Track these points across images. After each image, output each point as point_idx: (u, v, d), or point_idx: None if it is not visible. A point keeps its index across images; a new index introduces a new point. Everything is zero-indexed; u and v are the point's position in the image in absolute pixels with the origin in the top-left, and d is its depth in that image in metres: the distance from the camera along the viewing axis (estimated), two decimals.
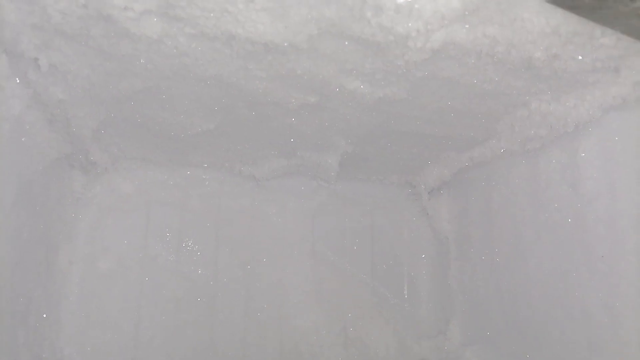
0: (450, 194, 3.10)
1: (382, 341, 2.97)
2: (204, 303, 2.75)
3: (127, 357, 2.56)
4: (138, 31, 1.50)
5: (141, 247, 2.71)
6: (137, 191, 2.74)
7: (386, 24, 1.44)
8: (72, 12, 1.42)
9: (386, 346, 2.96)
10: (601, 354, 1.93)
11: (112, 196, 2.69)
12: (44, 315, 2.24)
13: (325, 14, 1.42)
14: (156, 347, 2.62)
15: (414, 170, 3.06)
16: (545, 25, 1.44)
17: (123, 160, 2.68)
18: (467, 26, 1.47)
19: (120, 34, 1.52)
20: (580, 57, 1.61)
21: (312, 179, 3.01)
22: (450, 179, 2.98)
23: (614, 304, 1.88)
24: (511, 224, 2.50)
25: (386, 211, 3.19)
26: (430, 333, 3.06)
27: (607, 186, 1.93)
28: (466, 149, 2.63)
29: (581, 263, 2.03)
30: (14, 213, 1.82)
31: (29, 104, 1.83)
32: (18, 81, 1.72)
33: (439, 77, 1.81)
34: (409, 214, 3.22)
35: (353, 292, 3.04)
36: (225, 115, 2.19)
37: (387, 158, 2.82)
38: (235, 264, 2.85)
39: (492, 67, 1.72)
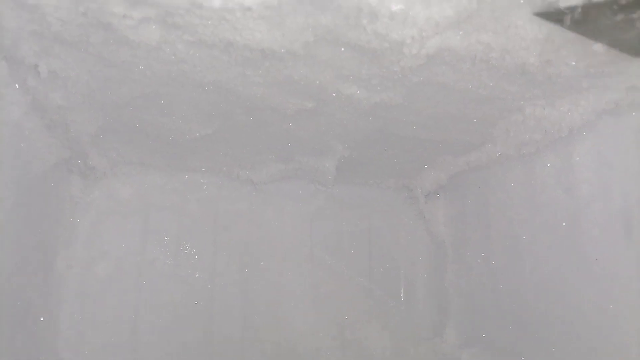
0: (447, 197, 3.11)
1: (379, 344, 2.98)
2: (201, 307, 2.76)
3: None
4: (137, 38, 1.51)
5: (139, 251, 2.72)
6: (136, 196, 2.75)
7: (381, 31, 1.46)
8: (71, 19, 1.44)
9: (383, 349, 2.97)
10: (597, 356, 1.94)
11: (111, 201, 2.70)
12: (42, 319, 2.24)
13: (321, 21, 1.44)
14: (154, 350, 2.62)
15: (411, 174, 3.08)
16: (538, 32, 1.46)
17: (121, 165, 2.69)
18: (461, 33, 1.49)
19: (119, 41, 1.54)
20: (573, 63, 1.63)
21: (309, 183, 3.03)
22: (447, 183, 3.00)
23: (608, 306, 1.90)
24: (507, 227, 2.51)
25: (383, 215, 3.20)
26: (427, 336, 3.08)
27: (601, 190, 1.95)
28: (462, 153, 2.65)
29: (576, 266, 2.05)
30: (12, 217, 1.83)
31: (28, 110, 1.85)
32: (17, 87, 1.74)
33: (434, 82, 1.83)
34: (406, 217, 3.24)
35: (350, 295, 3.05)
36: (223, 121, 2.21)
37: (384, 162, 2.83)
38: (233, 268, 2.86)
39: (487, 72, 1.74)
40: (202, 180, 2.87)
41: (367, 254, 3.14)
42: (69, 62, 1.68)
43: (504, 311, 2.52)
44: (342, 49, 1.59)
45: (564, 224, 2.12)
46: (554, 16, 1.39)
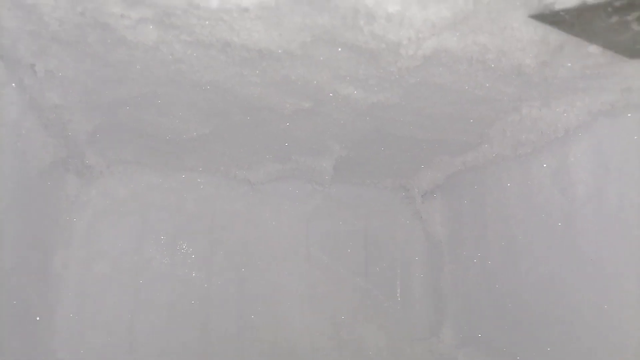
0: (444, 197, 3.12)
1: (376, 343, 2.99)
2: (198, 306, 2.76)
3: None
4: (134, 38, 1.52)
5: (136, 251, 2.71)
6: (133, 195, 2.75)
7: (378, 32, 1.46)
8: (69, 19, 1.44)
9: (379, 348, 2.97)
10: (593, 356, 1.95)
11: (108, 200, 2.69)
12: (39, 319, 2.24)
13: (318, 21, 1.44)
14: (150, 350, 2.62)
15: (408, 174, 3.08)
16: (534, 33, 1.47)
17: (118, 164, 2.69)
18: (457, 34, 1.50)
19: (116, 41, 1.54)
20: (569, 65, 1.64)
21: (306, 183, 3.03)
22: (444, 183, 3.01)
23: (604, 306, 1.90)
24: (503, 228, 2.52)
25: (380, 214, 3.21)
26: (423, 335, 3.08)
27: (597, 190, 1.96)
28: (459, 154, 2.66)
29: (572, 266, 2.06)
30: (9, 217, 1.83)
31: (25, 109, 1.85)
32: (14, 86, 1.74)
33: (431, 83, 1.83)
34: (403, 217, 3.24)
35: (347, 295, 3.06)
36: (220, 120, 2.21)
37: (381, 162, 2.84)
38: (229, 268, 2.86)
39: (483, 73, 1.75)
40: (199, 180, 2.87)
41: (363, 253, 3.15)
42: (66, 61, 1.69)
43: (500, 311, 2.53)
44: (339, 49, 1.60)
45: (560, 224, 2.13)
46: (549, 18, 1.40)
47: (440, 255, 3.09)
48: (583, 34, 1.45)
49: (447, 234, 3.09)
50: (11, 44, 1.56)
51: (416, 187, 3.12)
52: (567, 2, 1.33)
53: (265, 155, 2.70)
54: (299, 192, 3.05)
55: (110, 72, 1.76)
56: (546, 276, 2.20)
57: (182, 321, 2.71)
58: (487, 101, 1.99)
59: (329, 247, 3.09)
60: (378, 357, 2.96)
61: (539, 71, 1.69)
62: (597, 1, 1.31)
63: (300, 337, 2.89)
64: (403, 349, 3.02)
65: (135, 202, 2.75)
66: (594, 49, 1.53)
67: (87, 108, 2.04)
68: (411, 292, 3.18)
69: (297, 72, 1.76)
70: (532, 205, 2.31)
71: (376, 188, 3.22)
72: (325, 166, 2.72)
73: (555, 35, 1.49)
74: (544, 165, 2.23)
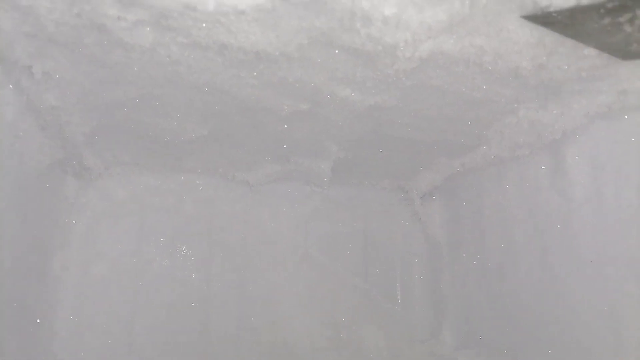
0: (442, 199, 3.12)
1: (375, 345, 2.98)
2: (197, 308, 2.76)
3: None
4: (131, 40, 1.52)
5: (135, 253, 2.71)
6: (131, 196, 2.75)
7: (375, 35, 1.46)
8: (65, 21, 1.44)
9: (379, 350, 2.97)
10: (592, 357, 1.95)
11: (106, 202, 2.69)
12: (38, 321, 2.24)
13: (315, 24, 1.44)
14: (150, 352, 2.62)
15: (406, 176, 3.08)
16: (530, 36, 1.47)
17: (117, 165, 2.69)
18: (454, 37, 1.50)
19: (113, 43, 1.54)
20: (565, 67, 1.65)
21: (305, 184, 3.03)
22: (442, 184, 3.01)
23: (603, 308, 1.91)
24: (502, 229, 2.52)
25: (379, 216, 3.21)
26: (422, 337, 3.08)
27: (595, 192, 1.96)
28: (457, 155, 2.66)
29: (570, 267, 2.06)
30: (7, 218, 1.83)
31: (23, 111, 1.84)
32: (12, 88, 1.74)
33: (429, 85, 1.84)
34: (402, 218, 3.24)
35: (346, 296, 3.05)
36: (218, 122, 2.21)
37: (379, 163, 2.84)
38: (228, 269, 2.86)
39: (480, 75, 1.75)
40: (197, 182, 2.87)
41: (362, 255, 3.15)
42: (63, 63, 1.69)
43: (499, 312, 2.53)
44: (336, 51, 1.60)
45: (558, 225, 2.14)
46: (542, 19, 1.40)
47: (439, 257, 3.09)
48: (576, 35, 1.46)
49: (446, 236, 3.09)
50: (8, 46, 1.56)
51: (415, 189, 3.12)
52: (560, 4, 1.33)
53: (263, 157, 2.70)
54: (297, 193, 3.05)
55: (107, 74, 1.76)
56: (545, 277, 2.20)
57: (182, 322, 2.71)
58: (484, 103, 1.99)
59: (327, 248, 3.09)
60: (377, 359, 2.96)
61: (535, 73, 1.69)
62: (590, 3, 1.31)
63: (299, 338, 2.88)
64: (402, 350, 3.01)
65: (134, 204, 2.75)
66: (590, 51, 1.53)
67: (84, 109, 2.04)
68: (410, 293, 3.18)
69: (295, 74, 1.76)
70: (530, 206, 2.31)
71: (375, 189, 3.22)
72: (323, 168, 2.72)
73: (551, 38, 1.49)
74: (542, 167, 2.23)
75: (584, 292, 1.99)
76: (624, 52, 1.54)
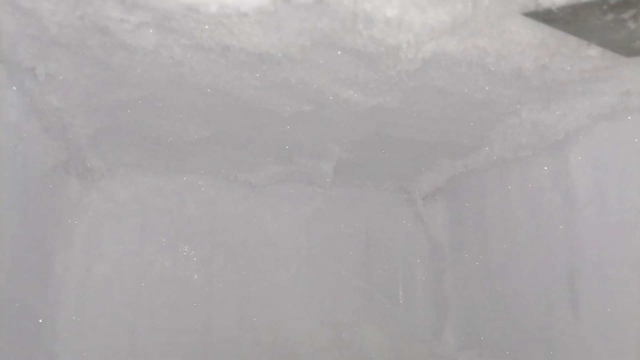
0: (445, 200, 3.12)
1: (377, 346, 2.98)
2: (199, 308, 2.76)
3: None
4: (134, 42, 1.52)
5: (137, 253, 2.72)
6: (134, 197, 2.76)
7: (377, 36, 1.46)
8: (69, 23, 1.44)
9: (381, 351, 2.97)
10: (594, 358, 1.95)
11: (109, 202, 2.70)
12: (40, 321, 2.25)
13: (317, 26, 1.44)
14: (152, 352, 2.62)
15: (409, 177, 3.08)
16: (533, 37, 1.47)
17: (119, 166, 2.69)
18: (456, 38, 1.50)
19: (116, 45, 1.55)
20: (568, 68, 1.65)
21: (307, 185, 3.03)
22: (445, 185, 3.01)
23: (606, 309, 1.90)
24: (504, 230, 2.52)
25: (381, 217, 3.20)
26: (425, 338, 3.08)
27: (598, 193, 1.96)
28: (460, 156, 2.66)
29: (573, 269, 2.06)
30: (10, 219, 1.84)
31: (26, 112, 1.85)
32: (15, 90, 1.75)
33: (431, 86, 1.84)
34: (404, 219, 3.24)
35: (348, 297, 3.05)
36: (221, 123, 2.21)
37: (382, 164, 2.84)
38: (230, 270, 2.86)
39: (483, 77, 1.75)
40: (200, 182, 2.87)
41: (364, 256, 3.15)
42: (66, 65, 1.69)
43: (502, 313, 2.52)
44: (339, 53, 1.60)
45: (561, 226, 2.13)
46: (543, 16, 1.39)
47: (441, 258, 3.08)
48: (578, 32, 1.44)
49: (448, 236, 3.08)
50: (11, 48, 1.56)
51: (417, 190, 3.12)
52: (561, 3, 1.32)
53: (266, 158, 2.70)
54: (300, 194, 3.05)
55: (110, 76, 1.77)
56: (548, 278, 2.20)
57: (184, 323, 2.72)
58: (487, 104, 1.99)
59: (330, 249, 3.09)
60: (379, 359, 2.96)
61: (538, 74, 1.69)
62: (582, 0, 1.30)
63: (301, 339, 2.88)
64: (404, 351, 3.01)
65: (137, 205, 2.76)
66: (593, 52, 1.52)
67: (87, 111, 2.04)
68: (413, 294, 3.17)
69: (297, 75, 1.76)
70: (533, 207, 2.31)
71: (377, 190, 3.21)
72: (326, 169, 2.73)
73: (554, 39, 1.49)
74: (545, 168, 2.23)
75: (587, 294, 1.99)
76: (628, 49, 1.53)
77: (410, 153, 2.64)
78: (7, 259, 1.84)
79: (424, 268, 3.20)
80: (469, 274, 2.83)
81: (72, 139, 2.20)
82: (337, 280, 3.07)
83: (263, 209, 2.99)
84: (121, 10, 1.38)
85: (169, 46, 1.56)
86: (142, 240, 2.74)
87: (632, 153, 1.83)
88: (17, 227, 1.92)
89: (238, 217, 2.93)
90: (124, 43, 1.53)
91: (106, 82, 1.81)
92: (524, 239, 2.37)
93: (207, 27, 1.44)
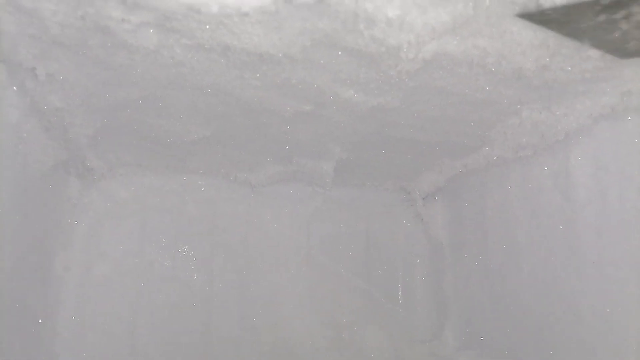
0: (445, 200, 3.12)
1: (377, 346, 2.98)
2: (199, 308, 2.76)
3: None
4: (135, 42, 1.52)
5: (137, 253, 2.72)
6: (134, 197, 2.76)
7: (378, 36, 1.47)
8: (70, 23, 1.44)
9: (380, 351, 2.97)
10: (593, 358, 1.95)
11: (109, 202, 2.70)
12: (40, 321, 2.25)
13: (318, 26, 1.45)
14: (152, 352, 2.62)
15: (409, 177, 3.08)
16: (534, 37, 1.47)
17: (119, 166, 2.69)
18: (457, 38, 1.50)
19: (117, 45, 1.55)
20: (569, 68, 1.65)
21: (307, 185, 3.03)
22: (445, 185, 3.01)
23: (605, 309, 1.90)
24: (504, 230, 2.52)
25: (381, 217, 3.21)
26: (424, 338, 3.08)
27: (598, 193, 1.96)
28: (460, 156, 2.66)
29: (573, 269, 2.06)
30: (10, 219, 1.84)
31: (27, 112, 1.85)
32: (16, 90, 1.74)
33: (432, 86, 1.84)
34: (404, 219, 3.24)
35: (348, 297, 3.05)
36: (221, 123, 2.21)
37: (382, 164, 2.84)
38: (230, 270, 2.87)
39: (484, 77, 1.75)
40: (200, 182, 2.87)
41: (364, 256, 3.15)
42: (67, 65, 1.69)
43: (501, 314, 2.53)
44: (340, 53, 1.60)
45: (561, 226, 2.13)
46: (537, 17, 1.38)
47: (441, 258, 3.09)
48: (572, 33, 1.44)
49: (448, 237, 3.08)
50: (12, 48, 1.56)
51: (417, 190, 3.12)
52: (554, 0, 1.31)
53: (266, 158, 2.71)
54: (300, 194, 3.05)
55: (111, 76, 1.77)
56: (548, 279, 2.20)
57: (184, 323, 2.72)
58: (487, 104, 1.99)
59: (330, 249, 3.09)
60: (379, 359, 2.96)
61: (538, 75, 1.69)
62: (581, 0, 1.29)
63: (301, 339, 2.89)
64: (404, 351, 3.01)
65: (137, 205, 2.76)
66: (593, 52, 1.53)
67: (88, 111, 2.04)
68: (413, 294, 3.18)
69: (298, 75, 1.76)
70: (533, 207, 2.31)
71: (377, 190, 3.21)
72: (326, 169, 2.73)
73: (554, 39, 1.49)
74: (545, 168, 2.23)
75: (586, 294, 1.99)
76: (623, 51, 1.52)
77: (410, 153, 2.64)
78: (7, 259, 1.84)
79: (423, 268, 3.20)
80: (469, 274, 2.83)
81: (73, 139, 2.20)
82: (337, 280, 3.07)
83: (263, 209, 2.99)
84: (122, 10, 1.38)
85: (170, 46, 1.56)
86: (142, 240, 2.74)
87: (632, 153, 1.83)
88: (17, 227, 1.92)
89: (238, 217, 2.93)
90: (125, 43, 1.52)
91: (107, 82, 1.81)
92: (524, 239, 2.37)
93: (208, 27, 1.44)
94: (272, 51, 1.57)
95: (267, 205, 2.99)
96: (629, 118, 1.85)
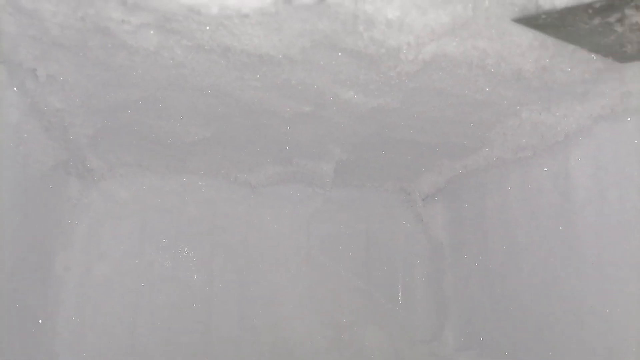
0: (445, 200, 3.12)
1: (377, 346, 2.98)
2: (199, 308, 2.76)
3: None
4: (135, 43, 1.52)
5: (137, 254, 2.72)
6: (134, 198, 2.76)
7: (378, 37, 1.47)
8: (70, 25, 1.44)
9: (380, 351, 2.97)
10: (593, 358, 1.95)
11: (109, 203, 2.70)
12: (40, 321, 2.25)
13: (318, 27, 1.45)
14: (152, 353, 2.63)
15: (409, 177, 3.08)
16: (533, 39, 1.47)
17: (119, 167, 2.69)
18: (457, 39, 1.51)
19: (117, 46, 1.55)
20: (568, 69, 1.65)
21: (307, 186, 3.03)
22: (445, 186, 3.01)
23: (605, 310, 1.91)
24: (504, 231, 2.52)
25: (381, 217, 3.21)
26: (424, 338, 3.08)
27: (597, 194, 1.96)
28: (460, 157, 2.66)
29: (573, 269, 2.06)
30: (10, 219, 1.84)
31: (27, 113, 1.85)
32: (16, 90, 1.75)
33: (431, 87, 1.84)
34: (404, 220, 3.24)
35: (348, 298, 3.06)
36: (221, 124, 2.22)
37: (382, 165, 2.84)
38: (230, 270, 2.87)
39: (483, 78, 1.75)
40: (200, 183, 2.87)
41: (364, 256, 3.15)
42: (67, 66, 1.69)
43: (501, 314, 2.53)
44: (339, 54, 1.60)
45: (561, 227, 2.13)
46: (532, 21, 1.38)
47: (441, 258, 3.09)
48: (568, 37, 1.43)
49: (448, 237, 3.09)
50: (12, 49, 1.56)
51: (417, 191, 3.12)
52: (550, 5, 1.31)
53: (266, 159, 2.71)
54: (299, 195, 3.05)
55: (111, 77, 1.77)
56: (547, 279, 2.20)
57: (183, 323, 2.72)
58: (487, 105, 1.99)
59: (330, 249, 3.09)
60: None
61: (538, 76, 1.70)
62: (578, 3, 1.28)
63: (301, 339, 2.89)
64: (404, 351, 3.01)
65: (137, 205, 2.76)
66: (593, 53, 1.53)
67: (88, 112, 2.04)
68: (413, 294, 3.18)
69: (298, 76, 1.76)
70: (533, 208, 2.31)
71: (377, 191, 3.21)
72: (326, 169, 2.73)
73: (554, 41, 1.49)
74: (545, 169, 2.23)
75: (586, 294, 1.99)
76: (620, 54, 1.52)
77: (410, 154, 2.64)
78: (7, 259, 1.84)
79: (424, 268, 3.20)
80: (468, 275, 2.83)
81: (73, 139, 2.20)
82: (337, 280, 3.07)
83: (263, 210, 2.99)
84: (122, 11, 1.38)
85: (170, 47, 1.56)
86: (142, 241, 2.74)
87: (632, 154, 1.84)
88: (17, 227, 1.92)
89: (238, 218, 2.93)
90: (125, 44, 1.53)
91: (107, 82, 1.82)
92: (524, 239, 2.37)
93: (208, 28, 1.44)
94: (272, 52, 1.57)
95: (267, 205, 2.99)
96: (629, 119, 1.85)
